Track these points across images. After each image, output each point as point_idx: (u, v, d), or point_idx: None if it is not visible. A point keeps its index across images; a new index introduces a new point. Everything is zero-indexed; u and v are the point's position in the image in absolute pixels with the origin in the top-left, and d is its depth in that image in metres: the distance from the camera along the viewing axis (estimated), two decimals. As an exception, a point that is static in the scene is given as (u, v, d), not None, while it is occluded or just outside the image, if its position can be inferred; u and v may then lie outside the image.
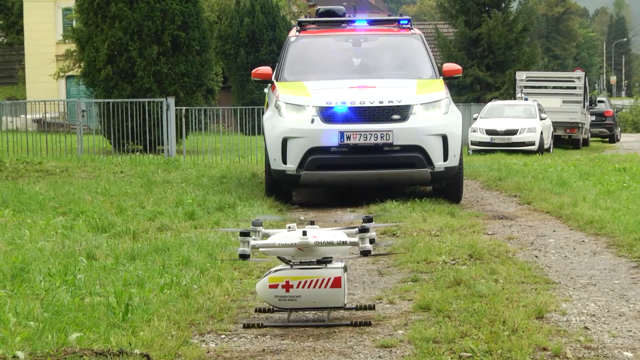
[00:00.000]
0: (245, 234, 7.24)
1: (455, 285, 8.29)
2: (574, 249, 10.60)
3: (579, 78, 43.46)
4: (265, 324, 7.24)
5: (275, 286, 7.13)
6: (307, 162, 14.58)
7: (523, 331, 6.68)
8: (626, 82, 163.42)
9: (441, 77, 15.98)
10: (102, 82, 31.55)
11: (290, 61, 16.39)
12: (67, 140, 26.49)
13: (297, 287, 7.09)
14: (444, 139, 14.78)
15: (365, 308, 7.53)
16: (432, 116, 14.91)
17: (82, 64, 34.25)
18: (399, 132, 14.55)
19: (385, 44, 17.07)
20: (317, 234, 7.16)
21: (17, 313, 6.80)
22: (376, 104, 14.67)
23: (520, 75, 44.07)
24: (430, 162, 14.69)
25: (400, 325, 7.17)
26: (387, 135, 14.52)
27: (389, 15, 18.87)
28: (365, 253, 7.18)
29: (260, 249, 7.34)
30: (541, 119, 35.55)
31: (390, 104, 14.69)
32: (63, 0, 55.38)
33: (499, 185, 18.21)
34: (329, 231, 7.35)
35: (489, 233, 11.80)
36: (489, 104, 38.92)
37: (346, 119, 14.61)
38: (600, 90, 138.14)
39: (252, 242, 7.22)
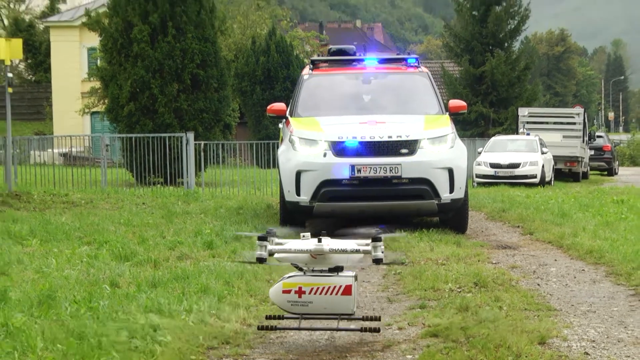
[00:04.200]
0: (262, 238, 7.24)
1: (462, 311, 8.28)
2: (575, 277, 10.57)
3: (578, 114, 43.46)
4: (279, 326, 7.23)
5: (288, 291, 7.12)
6: (320, 193, 14.58)
7: (526, 356, 6.66)
8: (623, 118, 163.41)
9: (447, 113, 15.98)
10: (125, 117, 31.64)
11: (303, 98, 16.41)
12: (92, 173, 26.56)
13: (310, 293, 7.08)
14: (450, 172, 14.77)
15: (371, 319, 7.50)
16: (439, 150, 14.91)
17: (106, 101, 34.37)
18: (407, 166, 14.54)
19: (394, 82, 17.08)
20: (331, 242, 7.16)
21: (44, 338, 6.80)
22: (385, 138, 14.67)
23: (523, 112, 44.10)
24: (437, 194, 14.67)
25: (409, 350, 7.16)
26: (396, 169, 14.51)
27: (397, 54, 18.89)
28: (377, 261, 7.17)
29: (275, 255, 7.32)
30: (542, 153, 35.53)
31: (399, 139, 14.70)
32: (88, 40, 55.58)
33: (503, 216, 18.17)
34: (341, 241, 7.34)
35: (494, 262, 11.77)
36: (493, 138, 38.93)
37: (357, 153, 14.61)
38: (599, 125, 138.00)
39: (269, 247, 7.21)
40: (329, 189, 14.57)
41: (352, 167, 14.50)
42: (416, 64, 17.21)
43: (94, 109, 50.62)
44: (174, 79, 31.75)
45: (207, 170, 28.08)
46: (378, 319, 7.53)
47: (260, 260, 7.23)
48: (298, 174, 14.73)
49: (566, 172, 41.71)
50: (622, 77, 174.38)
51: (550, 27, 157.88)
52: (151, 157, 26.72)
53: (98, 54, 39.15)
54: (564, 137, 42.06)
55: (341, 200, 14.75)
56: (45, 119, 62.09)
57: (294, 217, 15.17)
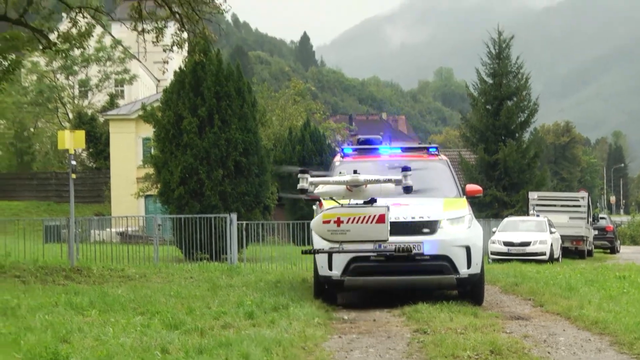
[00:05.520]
0: (304, 171, 7.23)
1: (479, 377, 8.18)
2: (582, 346, 10.45)
3: (583, 198, 43.35)
4: (320, 251, 7.23)
5: (328, 222, 7.13)
6: (350, 269, 14.50)
7: (539, 418, 6.56)
8: (624, 201, 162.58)
9: (464, 196, 15.96)
10: (175, 200, 31.81)
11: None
12: (145, 250, 26.64)
13: (347, 222, 7.09)
14: (468, 249, 14.71)
15: (403, 250, 7.46)
16: (457, 230, 14.86)
17: (158, 185, 34.59)
18: (428, 244, 14.48)
19: (416, 168, 17.07)
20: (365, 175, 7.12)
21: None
22: (409, 219, 14.62)
23: (533, 195, 44.02)
24: (455, 270, 14.60)
25: (431, 412, 7.07)
26: (419, 246, 14.45)
27: (419, 144, 18.94)
28: (407, 189, 7.14)
29: (316, 191, 7.28)
30: (551, 232, 35.37)
31: (421, 219, 14.66)
32: (143, 131, 56.08)
33: (516, 289, 18.02)
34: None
35: (508, 331, 11.65)
36: (506, 219, 38.81)
37: (383, 232, 14.55)
38: (602, 208, 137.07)
39: (310, 179, 7.18)
40: (358, 264, 14.50)
41: (379, 244, 14.45)
42: (436, 152, 17.23)
43: (148, 193, 50.90)
44: (219, 165, 31.97)
45: (249, 247, 28.08)
46: (410, 250, 7.49)
47: (302, 190, 7.23)
48: (330, 251, 14.70)
49: (573, 250, 41.47)
50: (622, 165, 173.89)
51: (557, 119, 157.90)
52: (198, 235, 26.80)
53: (152, 143, 39.50)
54: (570, 218, 41.89)
55: (369, 275, 14.68)
56: (105, 201, 62.48)
57: (327, 290, 15.11)
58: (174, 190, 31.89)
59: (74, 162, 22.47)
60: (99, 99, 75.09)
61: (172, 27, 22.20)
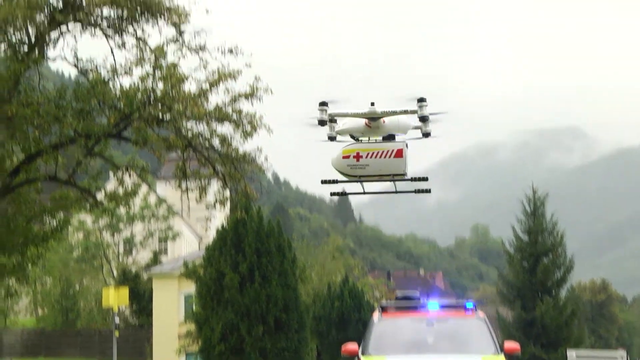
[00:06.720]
0: (323, 104, 7.33)
1: None
2: None
3: (622, 357, 42.73)
4: (339, 180, 7.24)
5: (347, 157, 7.22)
6: None
7: None
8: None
9: (502, 354, 15.75)
10: (216, 357, 31.65)
11: (374, 339, 16.30)
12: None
13: (366, 157, 7.17)
14: (507, 407, 14.45)
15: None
16: (497, 386, 14.62)
17: (199, 341, 34.46)
18: (468, 401, 14.25)
19: (454, 325, 16.91)
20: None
21: None
22: (447, 376, 14.44)
23: (571, 353, 43.45)
24: None
25: None
26: (458, 404, 14.22)
27: (456, 300, 18.79)
28: (423, 118, 7.17)
29: (336, 129, 7.29)
30: (592, 390, 34.74)
31: (460, 377, 14.46)
32: (185, 288, 56.11)
33: None
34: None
35: None
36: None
37: (422, 389, 14.36)
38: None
39: (329, 111, 7.28)
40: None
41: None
42: (474, 309, 17.08)
43: (189, 349, 50.63)
44: (260, 321, 31.87)
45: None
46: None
47: (321, 122, 7.30)
48: (369, 408, 14.49)
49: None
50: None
51: (593, 277, 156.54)
52: (238, 391, 26.51)
53: (193, 299, 39.56)
54: (609, 376, 41.23)
55: None
56: (147, 358, 62.12)
57: None
58: (214, 346, 31.75)
59: (117, 320, 22.52)
60: (143, 255, 75.65)
61: (215, 185, 22.51)
